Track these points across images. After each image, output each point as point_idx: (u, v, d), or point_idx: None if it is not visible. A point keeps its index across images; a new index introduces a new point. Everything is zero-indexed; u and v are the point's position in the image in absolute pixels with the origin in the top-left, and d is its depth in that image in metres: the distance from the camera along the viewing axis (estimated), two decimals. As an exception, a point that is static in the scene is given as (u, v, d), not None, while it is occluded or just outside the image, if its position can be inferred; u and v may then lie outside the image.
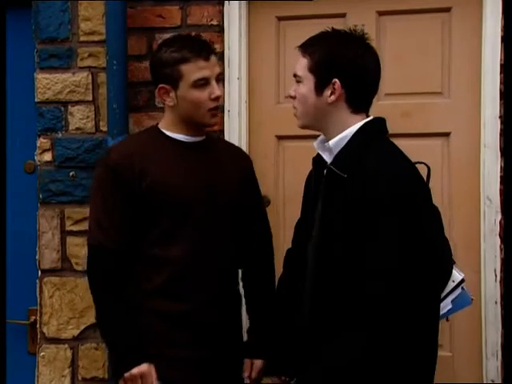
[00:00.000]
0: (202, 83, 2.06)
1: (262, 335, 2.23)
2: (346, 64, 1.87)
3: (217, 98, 2.09)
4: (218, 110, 2.14)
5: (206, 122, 2.12)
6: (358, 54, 1.89)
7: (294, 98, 1.95)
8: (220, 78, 2.14)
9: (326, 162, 1.95)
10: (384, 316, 1.74)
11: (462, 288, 2.01)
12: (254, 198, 2.30)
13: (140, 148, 2.11)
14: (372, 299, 1.74)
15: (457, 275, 1.99)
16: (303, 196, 2.14)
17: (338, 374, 1.77)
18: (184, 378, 2.09)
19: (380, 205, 1.75)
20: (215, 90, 2.08)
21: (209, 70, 2.07)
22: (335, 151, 1.90)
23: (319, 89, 1.89)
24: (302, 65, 1.91)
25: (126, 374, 2.03)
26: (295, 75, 1.94)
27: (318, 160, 2.00)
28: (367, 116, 1.94)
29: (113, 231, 2.06)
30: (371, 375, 1.75)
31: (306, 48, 1.91)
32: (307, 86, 1.90)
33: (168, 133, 2.15)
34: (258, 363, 2.22)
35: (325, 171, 1.93)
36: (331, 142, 1.90)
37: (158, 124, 2.21)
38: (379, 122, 1.94)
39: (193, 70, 2.05)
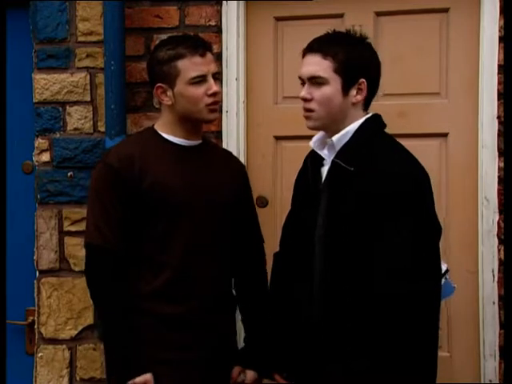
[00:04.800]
0: (199, 80, 2.06)
1: (257, 346, 2.22)
2: (368, 64, 1.95)
3: (214, 94, 2.08)
4: (217, 105, 2.13)
5: (204, 117, 2.11)
6: (373, 52, 1.98)
7: (309, 100, 1.95)
8: (217, 77, 2.13)
9: (322, 160, 1.97)
10: (396, 313, 1.78)
11: (446, 278, 2.08)
12: (247, 207, 2.31)
13: (139, 149, 2.11)
14: (385, 297, 1.79)
15: (442, 266, 2.02)
16: (293, 197, 2.16)
17: (358, 374, 1.82)
18: (181, 381, 2.08)
19: (390, 203, 1.81)
20: (212, 86, 2.07)
21: (205, 66, 2.07)
22: (338, 147, 1.94)
23: (346, 89, 1.93)
24: (323, 67, 1.92)
25: (130, 382, 2.03)
26: (313, 77, 1.93)
27: (313, 158, 2.02)
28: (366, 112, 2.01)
29: (111, 233, 2.05)
30: (387, 373, 1.79)
31: (326, 50, 1.92)
32: (334, 87, 1.92)
33: (165, 135, 2.15)
34: (251, 374, 2.22)
35: (326, 167, 1.97)
36: (334, 138, 1.95)
37: (154, 125, 2.20)
38: (378, 118, 2.00)
39: (189, 67, 2.05)
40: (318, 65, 1.92)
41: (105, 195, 2.07)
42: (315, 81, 1.93)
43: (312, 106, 1.94)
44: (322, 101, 1.92)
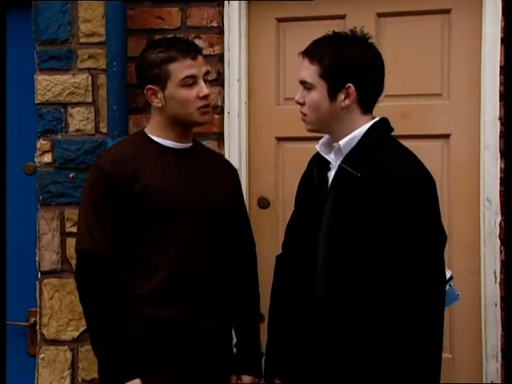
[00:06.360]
0: (190, 82, 2.07)
1: (248, 350, 2.22)
2: (356, 67, 1.90)
3: (205, 97, 2.08)
4: (209, 108, 2.13)
5: (195, 120, 2.11)
6: (365, 55, 1.92)
7: (302, 104, 1.96)
8: (207, 79, 2.14)
9: (328, 164, 1.97)
10: (400, 315, 1.78)
11: (450, 285, 2.06)
12: (239, 211, 2.29)
13: (131, 153, 2.10)
14: (388, 299, 1.78)
15: (445, 273, 2.01)
16: (297, 200, 2.15)
17: (359, 381, 1.81)
18: None
19: (395, 205, 1.80)
20: (203, 88, 2.08)
21: (196, 68, 2.08)
22: (345, 151, 1.93)
23: (332, 94, 1.91)
24: (310, 72, 1.92)
25: None
26: (303, 82, 1.95)
27: (319, 162, 2.02)
28: (372, 116, 1.99)
29: (104, 238, 2.03)
30: (390, 375, 1.78)
31: (313, 54, 1.92)
32: (320, 93, 1.91)
33: (156, 138, 2.14)
34: (246, 378, 2.21)
35: (332, 171, 1.96)
36: (341, 143, 1.94)
37: (144, 128, 2.21)
38: (386, 122, 1.99)
39: (180, 69, 2.06)
40: (306, 69, 1.93)
41: (97, 199, 2.06)
42: (305, 85, 1.94)
43: (304, 110, 1.96)
44: (311, 105, 1.93)
